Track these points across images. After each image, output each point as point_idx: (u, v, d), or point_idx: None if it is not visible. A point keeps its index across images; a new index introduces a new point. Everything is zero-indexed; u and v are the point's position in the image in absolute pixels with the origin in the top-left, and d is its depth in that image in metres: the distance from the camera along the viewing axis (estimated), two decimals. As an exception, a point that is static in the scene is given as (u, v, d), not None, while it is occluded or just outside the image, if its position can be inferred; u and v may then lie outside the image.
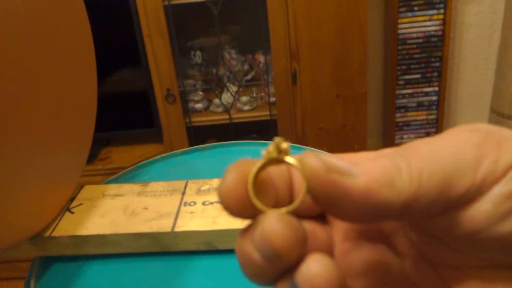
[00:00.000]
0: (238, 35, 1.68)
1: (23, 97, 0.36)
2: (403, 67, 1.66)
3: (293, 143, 1.58)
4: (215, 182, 0.46)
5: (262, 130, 1.64)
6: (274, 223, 0.14)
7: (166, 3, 1.39)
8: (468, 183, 0.15)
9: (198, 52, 1.59)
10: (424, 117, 1.75)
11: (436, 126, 1.75)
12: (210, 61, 1.62)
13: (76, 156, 0.46)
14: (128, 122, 1.60)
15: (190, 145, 1.55)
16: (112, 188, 0.47)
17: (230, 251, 0.40)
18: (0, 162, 0.34)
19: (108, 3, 1.45)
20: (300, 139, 1.52)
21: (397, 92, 1.70)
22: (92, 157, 1.53)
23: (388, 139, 1.82)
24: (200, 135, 1.60)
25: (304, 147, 0.56)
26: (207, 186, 0.45)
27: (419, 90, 1.70)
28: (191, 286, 0.38)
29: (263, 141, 0.58)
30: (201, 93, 1.59)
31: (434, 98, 1.71)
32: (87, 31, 0.47)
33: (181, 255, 0.41)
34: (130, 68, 1.54)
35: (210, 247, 0.40)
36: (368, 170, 0.15)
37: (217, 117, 1.54)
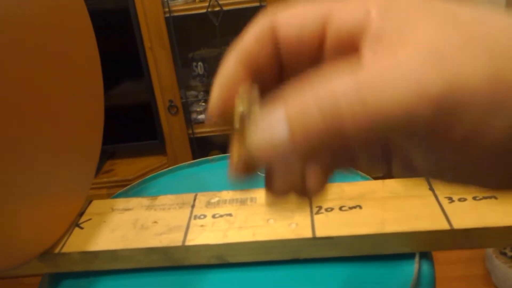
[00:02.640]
0: (239, 45, 1.68)
1: (32, 110, 0.36)
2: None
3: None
4: (225, 194, 0.46)
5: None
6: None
7: (167, 14, 1.40)
8: None
9: (200, 63, 1.60)
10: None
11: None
12: (212, 72, 1.62)
13: (85, 169, 0.46)
14: (132, 135, 1.60)
15: (194, 156, 1.55)
16: (121, 202, 0.46)
17: (241, 265, 0.40)
18: (9, 177, 0.34)
19: (109, 15, 1.45)
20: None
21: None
22: (96, 170, 1.53)
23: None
24: (203, 146, 1.59)
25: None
26: (216, 199, 0.45)
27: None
28: (203, 301, 0.38)
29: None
30: (203, 104, 1.59)
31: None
32: (92, 41, 0.47)
33: (192, 269, 0.40)
34: (132, 80, 1.54)
35: (221, 260, 0.40)
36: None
37: (220, 128, 1.54)
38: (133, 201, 0.46)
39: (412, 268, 0.37)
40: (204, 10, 1.41)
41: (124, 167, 1.55)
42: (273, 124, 0.16)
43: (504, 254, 1.37)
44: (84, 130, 0.45)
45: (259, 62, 0.20)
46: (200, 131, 1.54)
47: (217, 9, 1.41)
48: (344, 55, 0.18)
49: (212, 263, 0.40)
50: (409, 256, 0.39)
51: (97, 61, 0.49)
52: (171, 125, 1.51)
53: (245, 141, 0.17)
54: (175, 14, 1.41)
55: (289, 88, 0.16)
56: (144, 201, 0.46)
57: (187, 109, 1.53)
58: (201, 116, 1.57)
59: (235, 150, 0.18)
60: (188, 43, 1.65)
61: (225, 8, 1.40)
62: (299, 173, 0.17)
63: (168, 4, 1.39)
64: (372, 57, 0.16)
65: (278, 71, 0.21)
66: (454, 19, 0.16)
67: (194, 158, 1.56)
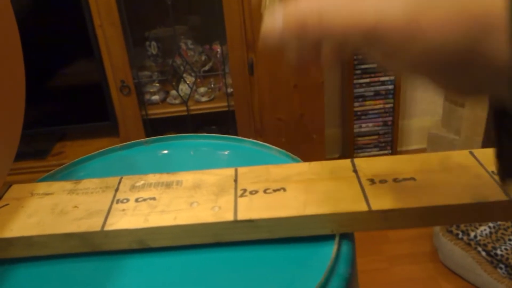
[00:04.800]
0: (196, 25, 1.65)
1: None
2: (360, 56, 1.68)
3: (252, 134, 1.56)
4: (151, 177, 0.45)
5: (220, 121, 1.63)
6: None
7: (117, -8, 1.35)
8: None
9: (154, 43, 1.56)
10: (381, 105, 1.78)
11: (393, 115, 1.78)
12: (166, 52, 1.59)
13: (1, 155, 0.44)
14: (83, 116, 1.55)
15: (147, 137, 1.52)
16: (42, 187, 0.44)
17: (163, 249, 0.39)
18: None
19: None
20: (259, 130, 1.52)
21: (355, 81, 1.72)
22: (44, 153, 1.48)
23: (347, 128, 1.84)
24: (158, 128, 1.57)
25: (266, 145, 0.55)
26: (141, 182, 0.44)
27: (375, 79, 1.72)
28: (123, 286, 0.37)
29: (210, 134, 0.57)
30: (157, 84, 1.56)
31: (390, 87, 1.73)
32: (10, 19, 0.44)
33: (112, 255, 0.40)
34: (83, 59, 1.49)
35: (142, 245, 0.39)
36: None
37: (174, 109, 1.52)
38: (55, 185, 0.45)
39: (332, 249, 0.38)
40: (155, -12, 1.37)
41: (75, 149, 1.51)
42: (275, 19, 0.26)
43: (450, 232, 1.42)
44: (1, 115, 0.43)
45: None
46: (154, 112, 1.52)
47: (169, -14, 1.37)
48: None
49: (133, 247, 0.39)
50: (329, 237, 0.39)
51: (16, 38, 0.46)
52: (123, 106, 1.48)
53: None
54: (126, -9, 1.37)
55: None
56: (67, 185, 0.45)
57: (140, 89, 1.50)
58: (155, 97, 1.54)
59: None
60: (143, 23, 1.60)
61: (177, -14, 1.37)
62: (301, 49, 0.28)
63: (117, -20, 1.34)
64: None
65: None
66: None
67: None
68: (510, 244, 1.34)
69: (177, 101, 1.53)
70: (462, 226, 1.41)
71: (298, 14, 0.25)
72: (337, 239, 0.39)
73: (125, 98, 1.47)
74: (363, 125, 1.80)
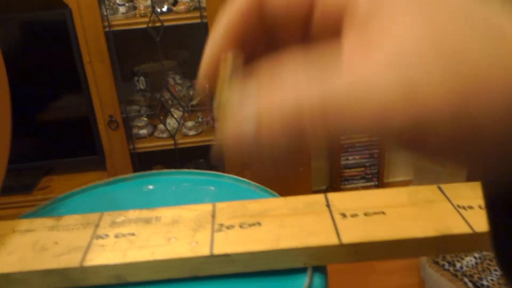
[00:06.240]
0: (185, 60, 1.69)
1: None
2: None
3: (238, 167, 1.58)
4: (131, 213, 0.46)
5: (208, 155, 1.64)
6: None
7: (107, 29, 1.39)
8: None
9: (142, 78, 1.59)
10: (367, 138, 1.81)
11: (379, 147, 1.82)
12: (155, 86, 1.62)
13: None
14: (70, 150, 1.56)
15: (134, 171, 1.53)
16: (24, 224, 0.45)
17: (141, 284, 0.40)
18: None
19: (47, 29, 1.42)
20: (246, 163, 1.54)
21: (340, 114, 1.75)
22: (30, 187, 1.48)
23: (334, 161, 1.86)
24: (145, 162, 1.58)
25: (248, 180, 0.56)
26: (122, 218, 0.45)
27: (360, 112, 1.76)
28: (100, 322, 0.38)
29: (191, 170, 0.59)
30: (145, 118, 1.58)
31: (375, 119, 1.77)
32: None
33: (91, 290, 0.40)
34: (71, 94, 1.51)
35: (121, 280, 0.40)
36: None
37: (162, 143, 1.53)
38: (37, 222, 0.46)
39: (304, 281, 0.39)
40: (144, 26, 1.41)
41: (62, 183, 1.51)
42: (243, 121, 0.17)
43: (436, 263, 1.43)
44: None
45: (246, 34, 0.20)
46: (142, 146, 1.53)
47: (158, 24, 1.41)
48: (330, 33, 0.18)
49: (112, 283, 0.40)
50: (302, 270, 0.40)
51: (3, 75, 0.48)
52: (111, 140, 1.49)
53: (222, 125, 0.18)
54: (115, 28, 1.40)
55: (264, 68, 0.17)
56: (48, 221, 0.46)
57: (128, 124, 1.52)
58: (143, 131, 1.56)
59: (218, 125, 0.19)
60: (132, 58, 1.64)
61: (166, 23, 1.41)
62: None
63: (107, 18, 1.38)
64: (348, 58, 0.16)
65: (266, 42, 0.21)
66: (434, 15, 0.15)
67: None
68: (496, 274, 1.35)
69: (164, 135, 1.55)
70: (448, 257, 1.42)
71: (289, 111, 0.16)
72: (309, 272, 0.40)
73: (113, 132, 1.48)
74: (350, 157, 1.83)
